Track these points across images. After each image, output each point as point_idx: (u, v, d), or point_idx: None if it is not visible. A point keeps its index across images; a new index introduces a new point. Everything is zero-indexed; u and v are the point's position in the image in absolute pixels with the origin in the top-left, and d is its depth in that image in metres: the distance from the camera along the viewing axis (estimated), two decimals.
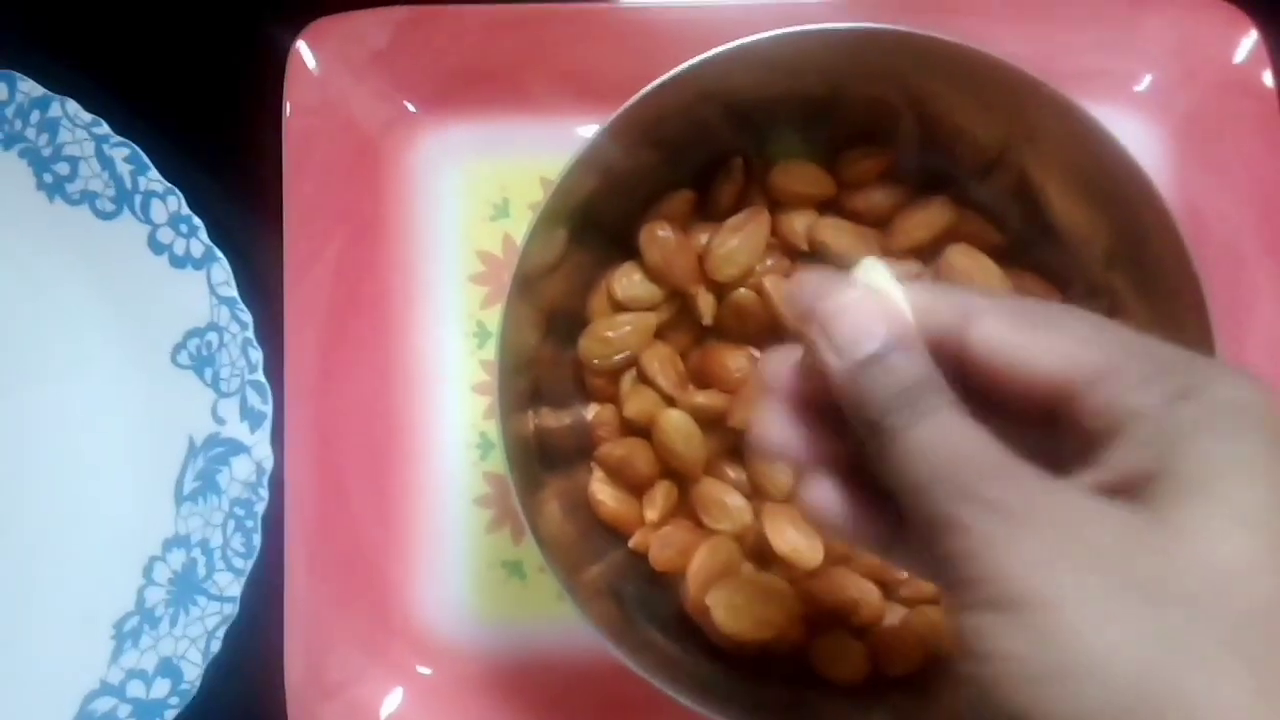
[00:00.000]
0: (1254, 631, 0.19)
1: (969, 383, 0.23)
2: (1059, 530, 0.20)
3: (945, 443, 0.22)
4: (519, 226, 0.42)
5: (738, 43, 0.34)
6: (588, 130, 0.34)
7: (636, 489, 0.38)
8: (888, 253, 0.39)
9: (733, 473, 0.38)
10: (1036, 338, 0.23)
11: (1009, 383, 0.23)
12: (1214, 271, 0.33)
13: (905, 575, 0.37)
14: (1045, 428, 0.23)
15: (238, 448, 0.40)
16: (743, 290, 0.38)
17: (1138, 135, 0.42)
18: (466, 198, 0.43)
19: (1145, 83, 0.43)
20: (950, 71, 0.35)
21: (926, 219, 0.38)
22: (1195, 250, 0.33)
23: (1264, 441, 0.20)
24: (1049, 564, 0.19)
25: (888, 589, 0.37)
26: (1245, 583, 0.19)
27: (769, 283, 0.38)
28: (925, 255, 0.39)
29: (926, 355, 0.23)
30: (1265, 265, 0.42)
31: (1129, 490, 0.21)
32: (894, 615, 0.37)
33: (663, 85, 0.34)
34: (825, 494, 0.25)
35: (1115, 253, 0.36)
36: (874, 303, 0.23)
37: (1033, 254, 0.38)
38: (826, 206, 0.39)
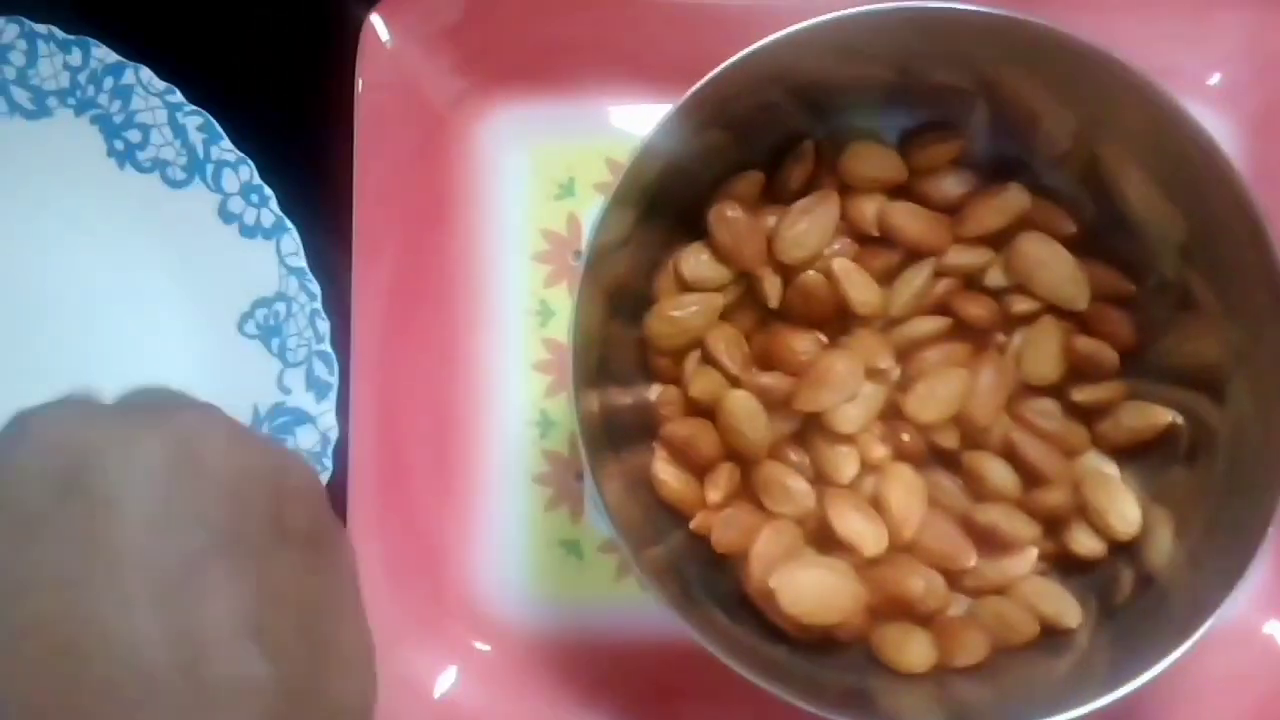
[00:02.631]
0: None
1: None
2: None
3: None
4: (584, 206, 0.42)
5: (808, 23, 0.33)
6: (656, 111, 0.34)
7: (699, 470, 0.38)
8: (958, 240, 0.38)
9: (795, 456, 0.38)
10: None
11: None
12: None
13: (972, 564, 0.36)
14: None
15: (303, 417, 0.40)
16: (810, 273, 0.38)
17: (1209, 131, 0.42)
18: (532, 176, 0.43)
19: (1216, 79, 0.43)
20: (1025, 53, 0.34)
21: (999, 206, 0.38)
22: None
23: None
24: None
25: (952, 578, 0.37)
26: None
27: (837, 266, 0.37)
28: (997, 243, 0.38)
29: None
30: None
31: None
32: (959, 606, 0.37)
33: (733, 66, 0.34)
34: None
35: (1192, 246, 0.36)
36: None
37: (1107, 244, 0.38)
38: (896, 192, 0.39)
